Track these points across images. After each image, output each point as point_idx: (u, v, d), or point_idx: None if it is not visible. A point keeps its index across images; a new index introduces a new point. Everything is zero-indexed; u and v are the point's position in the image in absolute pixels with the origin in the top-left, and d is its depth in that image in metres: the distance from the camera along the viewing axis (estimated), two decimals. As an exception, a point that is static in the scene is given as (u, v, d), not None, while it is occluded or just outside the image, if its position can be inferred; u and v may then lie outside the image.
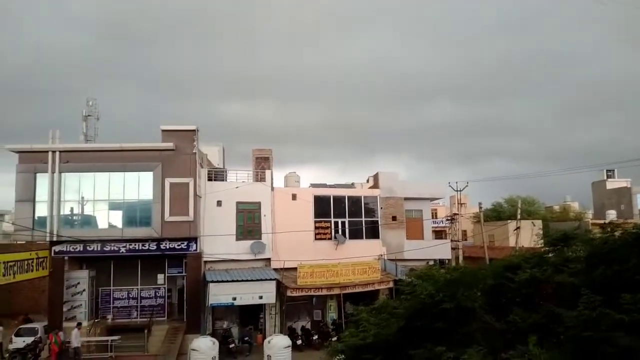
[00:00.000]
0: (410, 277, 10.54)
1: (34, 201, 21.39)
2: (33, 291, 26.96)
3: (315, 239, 24.87)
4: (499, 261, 9.95)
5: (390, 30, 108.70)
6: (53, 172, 21.41)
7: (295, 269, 22.64)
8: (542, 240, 10.57)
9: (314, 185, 27.70)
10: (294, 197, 24.96)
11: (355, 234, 25.46)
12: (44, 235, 21.38)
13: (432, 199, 30.02)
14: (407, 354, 7.62)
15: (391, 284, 23.43)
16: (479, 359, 6.44)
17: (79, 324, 20.48)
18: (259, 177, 24.69)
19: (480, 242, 31.34)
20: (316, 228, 24.97)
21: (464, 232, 36.73)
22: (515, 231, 28.04)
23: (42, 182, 21.47)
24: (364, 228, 25.73)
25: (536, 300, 7.91)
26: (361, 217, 25.75)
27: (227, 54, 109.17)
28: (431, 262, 24.98)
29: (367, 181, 29.26)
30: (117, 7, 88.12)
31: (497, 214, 45.79)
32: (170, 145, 21.85)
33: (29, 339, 20.77)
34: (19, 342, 20.62)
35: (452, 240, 28.32)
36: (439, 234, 36.37)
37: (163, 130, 22.35)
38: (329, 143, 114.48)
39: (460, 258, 27.54)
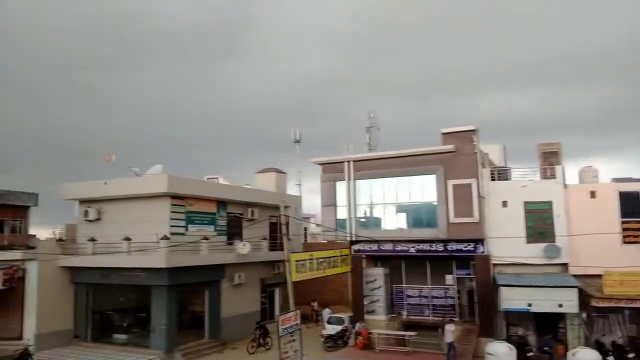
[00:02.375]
0: None
1: (335, 206, 24.58)
2: (337, 285, 30.87)
3: (624, 242, 21.20)
4: None
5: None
6: (349, 180, 24.22)
7: (599, 276, 19.73)
8: None
9: (616, 180, 23.75)
10: (592, 194, 21.86)
11: (680, 237, 20.68)
12: (344, 235, 24.34)
13: None
14: None
15: None
16: None
17: (451, 320, 21.20)
18: (548, 174, 22.63)
19: None
20: (624, 230, 21.24)
21: None
22: None
23: (340, 189, 24.50)
24: (693, 230, 20.71)
25: None
26: (687, 217, 20.82)
27: (487, 47, 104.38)
28: None
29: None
30: (371, 17, 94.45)
31: None
32: (450, 147, 22.11)
33: (338, 327, 23.87)
34: (330, 329, 23.81)
35: None
36: None
37: (443, 133, 22.77)
38: (621, 128, 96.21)
39: None
